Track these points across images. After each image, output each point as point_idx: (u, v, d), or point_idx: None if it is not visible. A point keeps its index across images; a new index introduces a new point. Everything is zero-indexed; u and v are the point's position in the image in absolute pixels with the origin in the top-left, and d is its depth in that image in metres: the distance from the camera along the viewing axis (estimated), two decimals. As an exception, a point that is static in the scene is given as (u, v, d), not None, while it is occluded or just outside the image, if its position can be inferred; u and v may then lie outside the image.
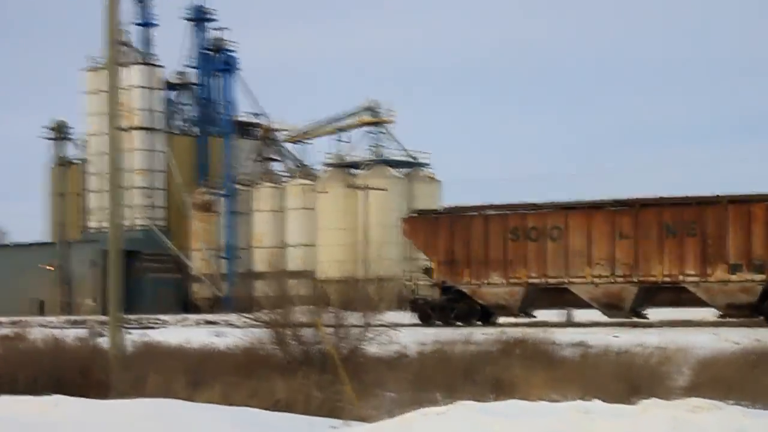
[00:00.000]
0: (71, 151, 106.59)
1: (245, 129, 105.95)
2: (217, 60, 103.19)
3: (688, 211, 46.15)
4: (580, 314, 49.86)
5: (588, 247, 47.60)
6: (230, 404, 19.90)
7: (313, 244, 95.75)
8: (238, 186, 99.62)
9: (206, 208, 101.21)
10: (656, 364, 23.48)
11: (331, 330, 23.02)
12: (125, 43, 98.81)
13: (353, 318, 23.93)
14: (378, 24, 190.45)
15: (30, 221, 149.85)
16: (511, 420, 16.85)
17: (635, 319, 47.67)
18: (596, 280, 47.43)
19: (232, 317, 66.45)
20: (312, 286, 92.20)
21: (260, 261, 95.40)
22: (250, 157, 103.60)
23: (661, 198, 47.41)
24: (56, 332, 35.56)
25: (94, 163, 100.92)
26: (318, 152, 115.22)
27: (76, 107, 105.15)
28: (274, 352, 23.24)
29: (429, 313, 49.81)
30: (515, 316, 49.50)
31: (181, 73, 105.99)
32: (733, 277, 45.06)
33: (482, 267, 49.72)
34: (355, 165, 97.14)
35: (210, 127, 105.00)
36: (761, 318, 44.52)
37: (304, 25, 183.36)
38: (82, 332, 38.97)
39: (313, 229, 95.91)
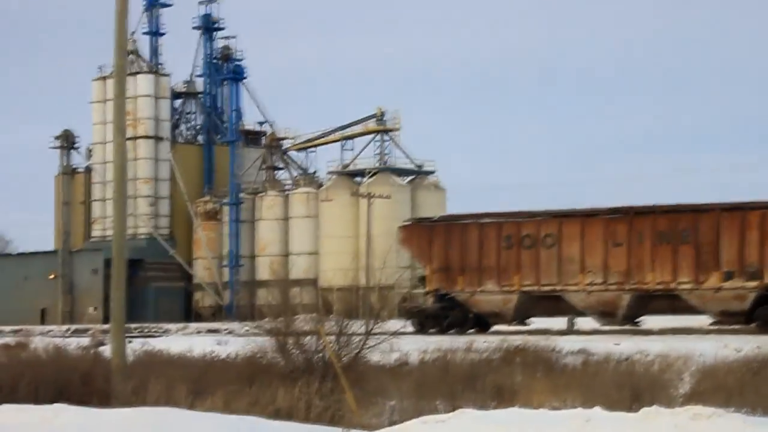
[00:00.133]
0: (77, 160, 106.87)
1: (251, 137, 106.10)
2: (224, 69, 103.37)
3: (682, 218, 46.30)
4: (582, 321, 49.83)
5: (581, 254, 47.70)
6: (232, 413, 19.89)
7: (317, 252, 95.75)
8: (242, 194, 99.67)
9: (211, 216, 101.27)
10: (658, 372, 23.48)
11: (332, 338, 23.02)
12: (133, 52, 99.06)
13: (355, 326, 23.94)
14: (383, 32, 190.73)
15: (37, 230, 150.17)
16: (512, 428, 16.84)
17: (636, 327, 47.68)
18: (590, 287, 47.50)
19: (235, 326, 66.52)
20: (315, 294, 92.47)
21: (264, 269, 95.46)
22: (255, 165, 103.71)
23: (655, 206, 47.57)
24: (58, 341, 35.59)
25: (99, 171, 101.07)
26: (323, 160, 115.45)
27: (85, 117, 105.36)
28: (276, 360, 23.24)
29: (423, 322, 49.74)
30: (509, 323, 49.57)
31: (187, 82, 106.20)
32: (726, 285, 45.20)
33: (476, 275, 49.80)
34: (360, 173, 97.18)
35: (216, 135, 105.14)
36: (754, 325, 44.64)
37: (309, 34, 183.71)
38: (84, 341, 39.00)
39: (317, 237, 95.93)
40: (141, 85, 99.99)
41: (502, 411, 18.44)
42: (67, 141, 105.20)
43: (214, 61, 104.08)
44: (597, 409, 17.85)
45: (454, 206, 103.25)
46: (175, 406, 20.33)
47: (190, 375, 22.72)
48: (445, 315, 49.94)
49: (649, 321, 49.26)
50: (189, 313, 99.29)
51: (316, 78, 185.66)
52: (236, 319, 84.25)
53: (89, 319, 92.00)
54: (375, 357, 24.43)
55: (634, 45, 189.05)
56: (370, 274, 61.54)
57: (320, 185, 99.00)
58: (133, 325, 64.24)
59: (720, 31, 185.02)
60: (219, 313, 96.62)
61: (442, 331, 48.87)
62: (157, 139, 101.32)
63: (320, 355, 22.77)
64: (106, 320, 78.29)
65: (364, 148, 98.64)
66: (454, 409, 18.89)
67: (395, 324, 30.70)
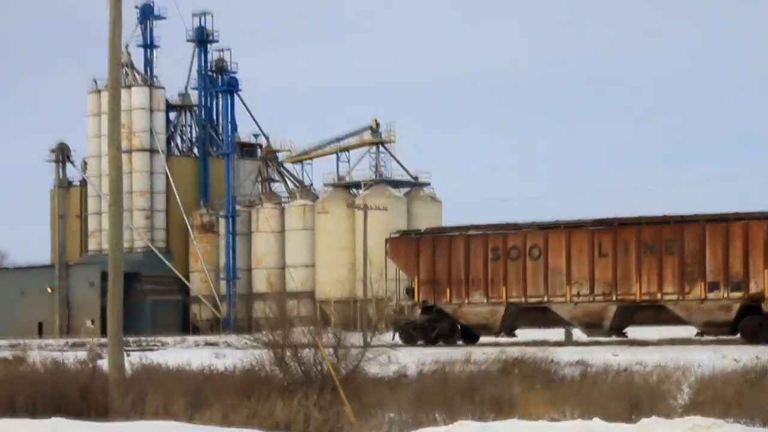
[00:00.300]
0: (73, 173, 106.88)
1: (246, 150, 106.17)
2: (218, 81, 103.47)
3: (667, 229, 46.59)
4: (580, 333, 49.86)
5: (567, 266, 47.98)
6: (230, 426, 19.88)
7: (313, 265, 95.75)
8: (238, 207, 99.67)
9: (207, 229, 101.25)
10: (656, 383, 23.46)
11: (330, 350, 23.00)
12: (127, 65, 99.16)
13: (353, 338, 23.92)
14: (378, 44, 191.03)
15: (33, 243, 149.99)
16: (510, 439, 16.85)
17: (624, 338, 47.97)
18: (576, 299, 47.72)
19: (232, 338, 66.45)
20: (313, 307, 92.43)
21: (261, 282, 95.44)
22: (251, 177, 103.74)
23: (640, 217, 47.90)
24: (56, 354, 35.51)
25: (95, 184, 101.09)
26: (319, 172, 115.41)
27: (80, 130, 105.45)
28: (274, 373, 23.20)
29: (411, 333, 49.75)
30: (497, 335, 49.75)
31: (182, 95, 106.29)
32: (711, 295, 45.49)
33: (463, 286, 50.01)
34: (356, 185, 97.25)
35: (211, 148, 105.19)
36: (738, 336, 44.87)
37: (304, 46, 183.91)
38: (81, 354, 38.93)
39: (313, 250, 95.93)
40: (135, 97, 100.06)
41: (501, 423, 18.44)
42: (62, 154, 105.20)
43: (209, 73, 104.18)
44: (596, 420, 17.85)
45: (451, 218, 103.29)
46: (174, 420, 20.30)
47: (189, 388, 22.67)
48: (433, 327, 50.04)
49: (647, 332, 49.34)
50: (186, 326, 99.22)
51: (310, 90, 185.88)
52: (234, 332, 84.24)
53: (86, 333, 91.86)
54: (373, 369, 24.40)
55: (627, 58, 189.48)
56: (367, 286, 61.46)
57: (316, 197, 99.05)
58: (130, 339, 64.17)
59: (711, 41, 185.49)
60: (216, 325, 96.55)
61: (430, 342, 49.00)
62: (152, 151, 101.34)
63: (318, 367, 22.74)
64: (103, 333, 78.06)
65: (360, 160, 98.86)
66: (452, 421, 18.88)
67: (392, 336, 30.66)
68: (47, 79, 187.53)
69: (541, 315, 49.39)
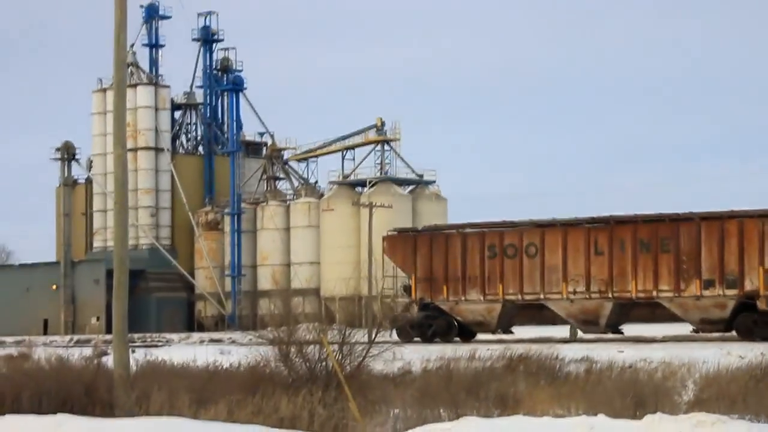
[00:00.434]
0: (78, 172, 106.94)
1: (251, 148, 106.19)
2: (224, 80, 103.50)
3: (662, 227, 46.76)
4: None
5: (564, 263, 48.16)
6: (235, 422, 19.90)
7: (318, 262, 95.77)
8: (244, 205, 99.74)
9: (212, 226, 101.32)
10: (661, 379, 23.47)
11: (335, 347, 23.01)
12: (133, 64, 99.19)
13: (358, 335, 23.94)
14: (384, 43, 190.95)
15: (38, 241, 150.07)
16: (515, 435, 16.85)
17: (620, 335, 48.15)
18: (572, 296, 47.86)
19: (237, 335, 66.54)
20: (318, 304, 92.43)
21: (266, 279, 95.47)
22: (256, 176, 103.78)
23: (636, 215, 48.08)
24: (61, 351, 35.57)
25: (100, 182, 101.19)
26: (324, 170, 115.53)
27: (85, 128, 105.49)
28: (279, 369, 23.22)
29: (408, 331, 49.82)
30: (493, 332, 49.91)
31: (187, 93, 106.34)
32: (707, 293, 45.64)
33: (460, 284, 50.20)
34: (361, 183, 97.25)
35: (216, 146, 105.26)
36: (734, 333, 45.01)
37: (310, 45, 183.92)
38: (87, 351, 38.97)
39: (318, 247, 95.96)
40: (141, 96, 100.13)
41: (506, 419, 18.46)
42: (68, 152, 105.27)
43: (214, 72, 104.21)
44: (601, 417, 17.86)
45: (456, 216, 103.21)
46: (179, 416, 20.33)
47: (194, 385, 22.70)
48: (429, 324, 50.14)
49: (652, 329, 49.36)
50: (191, 323, 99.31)
51: (316, 88, 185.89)
52: (239, 329, 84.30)
53: (91, 330, 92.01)
54: (378, 366, 24.43)
55: (632, 55, 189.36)
56: (372, 283, 61.46)
57: (321, 195, 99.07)
58: (135, 336, 64.31)
59: (707, 41, 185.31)
60: (221, 323, 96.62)
61: (427, 340, 49.10)
62: (158, 150, 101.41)
63: (323, 364, 22.76)
64: (108, 330, 78.22)
65: (365, 158, 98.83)
66: (457, 417, 18.91)
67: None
68: (52, 78, 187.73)
69: (537, 312, 49.70)
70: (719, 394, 21.04)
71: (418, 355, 31.23)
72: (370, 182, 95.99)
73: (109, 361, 26.82)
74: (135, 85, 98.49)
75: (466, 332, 50.55)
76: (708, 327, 45.88)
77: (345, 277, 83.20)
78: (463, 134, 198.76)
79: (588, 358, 29.29)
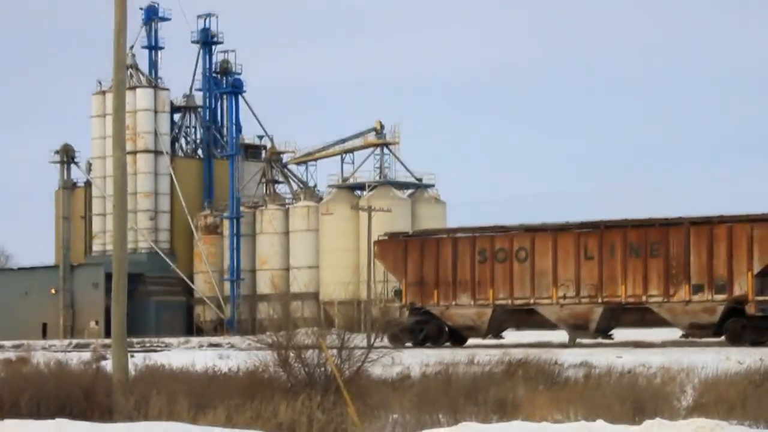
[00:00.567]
0: (77, 175, 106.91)
1: (251, 151, 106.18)
2: (223, 82, 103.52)
3: (652, 232, 46.89)
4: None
5: (554, 268, 48.28)
6: (234, 427, 19.88)
7: (317, 266, 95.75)
8: (243, 208, 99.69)
9: (211, 230, 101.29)
10: (660, 384, 23.45)
11: (334, 352, 23.00)
12: (132, 67, 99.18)
13: (357, 339, 23.92)
14: (382, 46, 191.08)
15: (37, 245, 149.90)
16: (514, 441, 16.83)
17: (611, 340, 48.28)
18: (562, 300, 47.91)
19: (236, 339, 66.49)
20: (317, 308, 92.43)
21: (265, 283, 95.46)
22: (255, 179, 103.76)
23: (625, 220, 48.30)
24: (60, 355, 35.56)
25: (99, 186, 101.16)
26: (323, 174, 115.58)
27: (84, 131, 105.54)
28: (278, 374, 23.20)
29: (399, 335, 49.85)
30: (484, 337, 50.01)
31: (186, 96, 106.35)
32: (696, 298, 45.83)
33: (451, 289, 50.37)
34: (360, 186, 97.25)
35: (215, 149, 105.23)
36: (723, 338, 45.12)
37: (309, 48, 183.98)
38: (85, 355, 38.96)
39: (317, 251, 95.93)
40: (140, 99, 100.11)
41: (505, 424, 18.43)
42: (67, 155, 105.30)
43: (213, 74, 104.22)
44: (600, 422, 17.84)
45: (455, 219, 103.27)
46: (177, 421, 20.30)
47: (192, 389, 22.67)
48: (420, 328, 50.17)
49: (651, 334, 49.42)
50: (190, 328, 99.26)
51: (315, 91, 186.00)
52: (238, 333, 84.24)
53: (90, 334, 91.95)
54: (377, 370, 24.42)
55: (633, 58, 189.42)
56: (371, 287, 61.50)
57: (320, 199, 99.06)
58: (134, 340, 64.23)
59: (703, 44, 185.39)
60: (220, 327, 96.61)
61: (418, 344, 49.17)
62: (157, 153, 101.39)
63: (322, 368, 22.74)
64: (107, 334, 78.23)
65: (364, 161, 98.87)
66: (456, 423, 18.88)
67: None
68: (51, 80, 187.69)
69: (527, 317, 49.96)
70: (718, 399, 21.02)
71: (417, 360, 31.22)
72: (369, 186, 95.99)
73: (108, 365, 26.83)
74: (134, 88, 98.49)
75: (457, 337, 50.70)
76: (697, 332, 46.16)
77: (344, 282, 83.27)
78: (463, 138, 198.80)
79: (587, 363, 29.28)
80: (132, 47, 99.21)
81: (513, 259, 49.19)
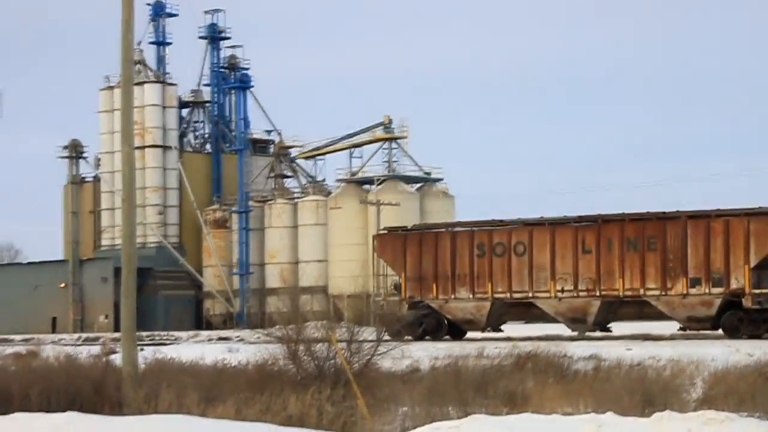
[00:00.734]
0: (86, 170, 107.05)
1: (259, 146, 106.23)
2: (230, 78, 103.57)
3: (649, 226, 47.11)
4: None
5: (552, 262, 48.53)
6: (243, 420, 19.91)
7: (326, 260, 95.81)
8: (251, 202, 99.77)
9: (220, 224, 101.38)
10: (670, 377, 23.44)
11: (343, 345, 23.03)
12: (140, 62, 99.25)
13: (366, 333, 23.96)
14: (390, 40, 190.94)
15: (46, 239, 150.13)
16: (523, 433, 16.84)
17: (608, 333, 48.44)
18: (560, 294, 48.18)
19: (246, 333, 66.58)
20: (325, 302, 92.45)
21: (274, 277, 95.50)
22: (263, 173, 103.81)
23: (623, 213, 48.44)
24: (69, 349, 35.63)
25: (108, 181, 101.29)
26: (331, 168, 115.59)
27: (92, 126, 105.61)
28: (287, 367, 23.23)
29: (398, 329, 50.00)
30: (483, 330, 50.34)
31: (194, 91, 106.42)
32: (693, 291, 45.95)
33: (450, 282, 50.60)
34: (369, 181, 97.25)
35: (224, 144, 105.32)
36: (720, 331, 45.28)
37: (316, 42, 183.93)
38: (95, 349, 39.03)
39: (326, 245, 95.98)
40: (148, 94, 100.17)
41: (515, 417, 18.45)
42: (75, 150, 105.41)
43: (221, 70, 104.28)
44: (609, 414, 17.85)
45: (463, 213, 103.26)
46: (187, 414, 20.34)
47: (202, 383, 22.72)
48: (420, 322, 50.33)
49: (661, 327, 49.45)
50: (199, 321, 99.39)
51: (323, 86, 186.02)
52: (247, 327, 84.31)
53: (100, 328, 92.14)
54: (386, 363, 24.44)
55: (643, 52, 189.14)
56: (378, 281, 61.55)
57: (329, 193, 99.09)
58: (143, 333, 64.38)
59: (720, 35, 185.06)
60: (229, 321, 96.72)
61: (417, 338, 49.37)
62: (165, 148, 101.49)
63: (331, 362, 22.77)
64: (116, 328, 78.41)
65: (372, 155, 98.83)
66: (466, 415, 18.89)
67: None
68: (59, 76, 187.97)
69: (526, 310, 50.23)
70: (728, 391, 21.01)
71: (426, 353, 31.24)
72: (377, 180, 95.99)
73: (117, 359, 26.87)
74: (142, 83, 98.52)
75: (456, 330, 50.94)
76: (694, 325, 46.42)
77: (353, 275, 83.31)
78: (471, 132, 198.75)
79: (596, 356, 29.27)
80: (139, 43, 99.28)
81: (511, 253, 49.49)
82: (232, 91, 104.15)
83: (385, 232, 55.40)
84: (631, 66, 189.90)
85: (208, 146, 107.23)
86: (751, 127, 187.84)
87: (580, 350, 31.20)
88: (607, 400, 19.88)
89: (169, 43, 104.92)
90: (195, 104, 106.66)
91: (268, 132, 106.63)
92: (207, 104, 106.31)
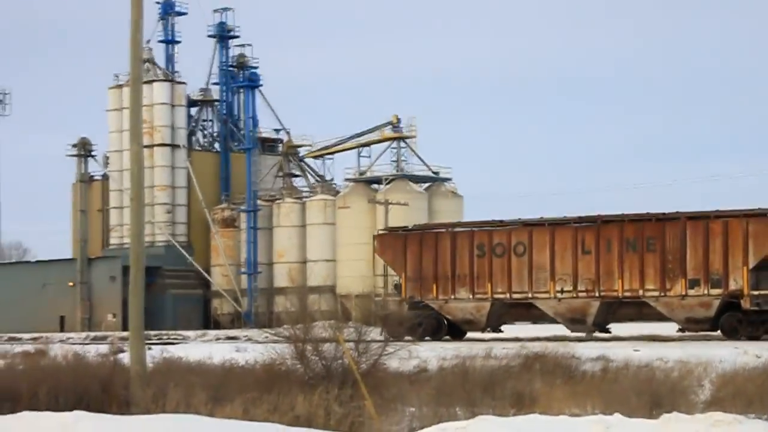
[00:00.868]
0: (94, 168, 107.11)
1: (267, 145, 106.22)
2: (239, 76, 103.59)
3: (648, 227, 47.21)
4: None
5: (551, 262, 48.56)
6: (251, 420, 19.90)
7: (334, 259, 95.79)
8: (260, 201, 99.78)
9: (228, 223, 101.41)
10: (677, 378, 23.40)
11: (351, 345, 23.02)
12: (149, 60, 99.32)
13: (374, 333, 23.95)
14: (399, 39, 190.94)
15: (55, 238, 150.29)
16: (531, 434, 16.81)
17: (608, 333, 48.46)
18: (560, 295, 48.22)
19: (254, 332, 66.59)
20: (333, 301, 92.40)
21: (282, 276, 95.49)
22: (271, 172, 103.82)
23: (623, 214, 48.57)
24: (77, 348, 35.68)
25: (116, 179, 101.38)
26: (340, 167, 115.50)
27: (101, 125, 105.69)
28: (295, 367, 23.23)
29: (397, 329, 50.03)
30: (483, 331, 50.42)
31: (203, 90, 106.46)
32: (692, 292, 46.06)
33: (450, 283, 50.75)
34: (377, 180, 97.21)
35: (232, 143, 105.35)
36: (719, 332, 45.28)
37: (326, 41, 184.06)
38: (103, 348, 39.09)
39: (334, 244, 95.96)
40: (157, 93, 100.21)
41: (522, 417, 18.42)
42: (84, 149, 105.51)
43: (230, 68, 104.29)
44: (617, 416, 17.82)
45: (472, 213, 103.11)
46: (195, 413, 20.34)
47: (210, 382, 22.73)
48: (419, 323, 50.46)
49: (669, 328, 49.42)
50: (207, 321, 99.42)
51: (332, 85, 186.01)
52: (255, 326, 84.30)
53: (108, 327, 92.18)
54: (394, 364, 24.43)
55: (650, 52, 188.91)
56: (387, 281, 61.57)
57: (337, 192, 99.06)
58: (151, 332, 64.38)
59: (720, 35, 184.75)
60: (237, 320, 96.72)
61: (417, 338, 49.49)
62: (174, 146, 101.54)
63: (339, 361, 22.76)
64: (124, 327, 78.42)
65: (381, 155, 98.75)
66: (473, 416, 18.87)
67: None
68: (68, 74, 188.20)
69: (525, 311, 50.39)
70: (736, 393, 20.98)
71: (434, 354, 31.23)
72: (386, 179, 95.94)
73: (125, 358, 26.90)
74: (151, 82, 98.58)
75: (456, 331, 50.99)
76: (693, 326, 46.44)
77: (361, 275, 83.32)
78: (480, 131, 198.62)
79: (604, 357, 29.26)
80: (149, 41, 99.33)
81: (511, 253, 49.65)
82: (241, 90, 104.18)
83: (386, 232, 55.59)
84: (643, 65, 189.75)
85: (216, 145, 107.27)
86: (751, 126, 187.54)
87: (587, 351, 31.18)
88: (614, 401, 19.86)
89: (178, 42, 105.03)
90: (204, 103, 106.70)
91: (277, 131, 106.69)
92: (216, 103, 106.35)
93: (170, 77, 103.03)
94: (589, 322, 48.18)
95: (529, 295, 49.20)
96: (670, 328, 48.44)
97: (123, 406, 21.73)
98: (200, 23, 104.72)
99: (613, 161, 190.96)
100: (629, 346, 37.58)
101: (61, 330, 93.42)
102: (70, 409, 20.62)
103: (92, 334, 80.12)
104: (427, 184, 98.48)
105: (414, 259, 51.72)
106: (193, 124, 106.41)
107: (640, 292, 47.03)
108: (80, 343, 49.71)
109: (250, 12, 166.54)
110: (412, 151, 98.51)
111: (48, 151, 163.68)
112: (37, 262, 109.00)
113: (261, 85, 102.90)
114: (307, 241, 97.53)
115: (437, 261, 51.22)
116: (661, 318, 47.74)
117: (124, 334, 56.31)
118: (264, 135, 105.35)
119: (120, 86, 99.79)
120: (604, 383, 22.74)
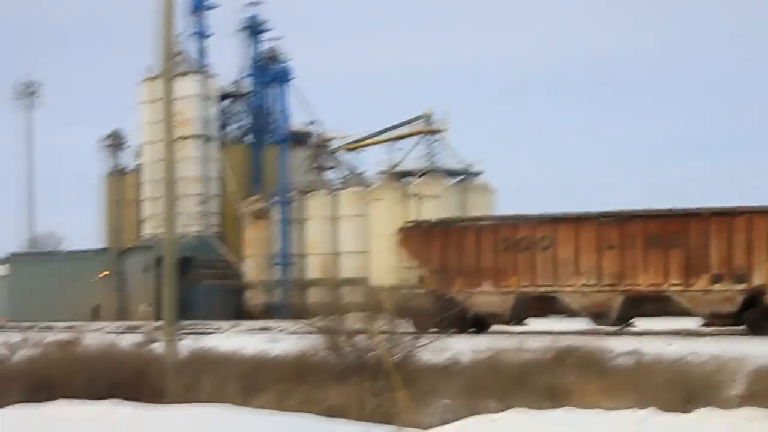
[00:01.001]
0: (127, 160, 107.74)
1: (299, 138, 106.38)
2: (271, 70, 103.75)
3: (672, 222, 47.22)
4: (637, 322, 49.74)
5: (576, 257, 48.62)
6: (284, 410, 19.98)
7: (366, 252, 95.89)
8: (291, 194, 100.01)
9: (260, 215, 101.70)
10: (711, 373, 23.29)
11: (384, 336, 23.07)
12: (180, 54, 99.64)
13: (407, 324, 23.99)
14: (432, 32, 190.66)
15: (87, 229, 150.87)
16: (565, 427, 16.82)
17: (632, 328, 48.55)
18: (584, 289, 48.30)
19: (286, 324, 66.78)
20: (365, 293, 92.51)
21: (313, 268, 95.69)
22: (303, 165, 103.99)
23: (646, 210, 48.49)
24: (111, 337, 35.90)
25: (149, 171, 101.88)
26: (372, 161, 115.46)
27: (135, 117, 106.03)
28: (328, 358, 23.31)
29: (422, 321, 50.16)
30: (507, 324, 50.58)
31: (235, 83, 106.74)
32: (716, 287, 46.05)
33: (474, 276, 50.90)
34: (409, 173, 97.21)
35: (264, 135, 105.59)
36: (743, 327, 45.20)
37: (358, 35, 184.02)
38: (136, 337, 39.31)
39: (366, 237, 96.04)
40: (189, 86, 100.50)
41: (555, 411, 18.41)
42: (117, 141, 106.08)
43: (261, 62, 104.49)
44: (650, 410, 17.78)
45: (504, 207, 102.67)
46: (228, 403, 20.43)
47: (242, 372, 22.83)
48: (443, 315, 50.60)
49: (692, 323, 49.29)
50: (240, 312, 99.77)
51: (364, 78, 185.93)
52: (287, 318, 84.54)
53: (141, 316, 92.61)
54: (426, 356, 24.47)
55: (682, 47, 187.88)
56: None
57: (369, 185, 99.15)
58: (184, 323, 64.58)
59: (724, 36, 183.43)
60: (269, 311, 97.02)
61: (442, 330, 49.63)
62: (206, 138, 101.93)
63: (372, 353, 22.82)
64: (158, 317, 78.73)
65: (413, 148, 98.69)
66: (506, 408, 18.87)
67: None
68: (100, 67, 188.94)
69: (549, 304, 50.46)
70: (771, 388, 20.85)
71: (466, 346, 31.23)
72: (417, 173, 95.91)
73: (158, 347, 27.04)
74: (183, 74, 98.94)
75: (480, 323, 51.14)
76: (717, 321, 46.45)
77: (393, 267, 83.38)
78: (513, 125, 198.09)
79: (637, 351, 29.16)
80: (180, 34, 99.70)
81: (535, 247, 49.73)
82: (272, 83, 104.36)
83: (410, 225, 55.89)
84: (674, 59, 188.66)
85: (248, 138, 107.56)
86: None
87: (620, 345, 31.09)
88: (648, 395, 19.78)
89: (210, 35, 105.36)
90: (235, 96, 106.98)
91: (309, 124, 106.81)
92: (247, 96, 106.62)
93: (202, 70, 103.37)
94: (613, 317, 48.41)
95: (554, 289, 49.35)
96: (693, 324, 48.32)
97: (156, 396, 21.84)
98: (232, 16, 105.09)
99: (652, 154, 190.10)
100: (662, 340, 37.46)
101: (95, 319, 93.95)
102: (104, 398, 20.76)
103: (126, 323, 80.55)
104: (459, 178, 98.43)
105: (438, 253, 52.04)
106: (225, 117, 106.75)
107: (664, 287, 47.11)
108: (114, 333, 50.01)
109: (282, 5, 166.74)
110: (445, 144, 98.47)
111: (81, 142, 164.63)
112: (71, 252, 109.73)
113: (292, 79, 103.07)
114: (338, 233, 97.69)
115: (462, 254, 51.51)
116: (684, 313, 47.80)
117: (158, 324, 56.55)
118: (295, 128, 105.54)
119: (152, 79, 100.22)
120: (638, 377, 22.66)
